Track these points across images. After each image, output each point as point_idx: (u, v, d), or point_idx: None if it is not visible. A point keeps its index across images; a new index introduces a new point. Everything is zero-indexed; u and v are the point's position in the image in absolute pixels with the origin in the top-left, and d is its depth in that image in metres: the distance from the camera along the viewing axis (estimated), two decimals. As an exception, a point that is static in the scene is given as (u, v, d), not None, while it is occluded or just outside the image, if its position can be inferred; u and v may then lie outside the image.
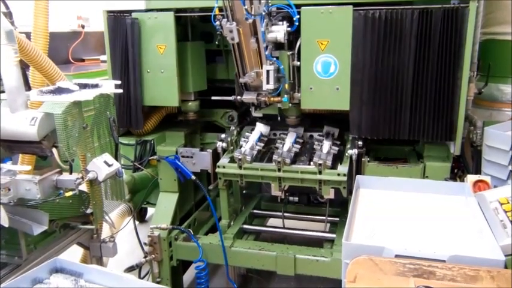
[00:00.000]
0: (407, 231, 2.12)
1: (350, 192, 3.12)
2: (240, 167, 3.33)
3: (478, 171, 3.18)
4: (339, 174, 3.15)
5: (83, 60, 6.78)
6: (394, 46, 2.97)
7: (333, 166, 3.24)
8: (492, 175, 2.76)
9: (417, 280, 1.77)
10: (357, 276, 1.84)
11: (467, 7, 2.81)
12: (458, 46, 2.88)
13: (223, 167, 3.40)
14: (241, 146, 3.47)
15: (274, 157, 3.24)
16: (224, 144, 3.52)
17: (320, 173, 3.17)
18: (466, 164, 3.52)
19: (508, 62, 3.54)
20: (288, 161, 3.24)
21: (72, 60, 6.61)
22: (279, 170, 3.24)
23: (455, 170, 3.45)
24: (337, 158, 3.33)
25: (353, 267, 1.85)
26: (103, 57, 6.50)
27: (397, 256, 1.87)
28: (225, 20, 2.89)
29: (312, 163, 3.23)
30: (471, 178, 2.51)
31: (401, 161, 3.42)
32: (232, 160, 3.42)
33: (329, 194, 3.23)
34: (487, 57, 3.47)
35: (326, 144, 3.36)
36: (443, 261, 1.82)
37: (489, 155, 2.95)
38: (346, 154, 3.27)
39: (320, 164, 3.15)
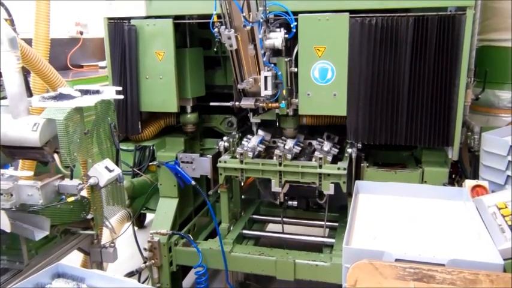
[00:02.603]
0: (407, 236, 2.14)
1: (349, 195, 3.16)
2: (241, 162, 3.38)
3: (475, 176, 3.20)
4: (339, 168, 3.20)
5: (82, 67, 6.78)
6: (390, 53, 3.00)
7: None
8: (490, 180, 2.78)
9: (417, 284, 1.79)
10: (357, 280, 1.86)
11: (464, 14, 2.85)
12: (455, 53, 2.92)
13: (225, 162, 3.44)
14: (243, 145, 3.51)
15: (276, 151, 3.31)
16: (226, 144, 3.56)
17: (320, 167, 3.22)
18: (464, 169, 3.55)
19: (504, 68, 3.57)
20: (289, 156, 3.31)
21: (70, 67, 6.61)
22: (280, 164, 3.29)
23: (453, 175, 3.48)
24: (337, 160, 3.37)
25: (353, 272, 1.87)
26: (101, 64, 6.52)
27: (397, 260, 1.89)
28: (224, 27, 2.91)
29: (313, 159, 3.28)
30: (469, 183, 2.53)
31: (400, 166, 3.45)
32: (233, 158, 3.47)
33: (329, 189, 3.27)
34: (484, 64, 3.50)
35: (327, 144, 3.43)
36: (443, 265, 1.84)
37: (487, 160, 2.97)
38: (346, 154, 3.31)
39: (320, 158, 3.21)
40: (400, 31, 2.95)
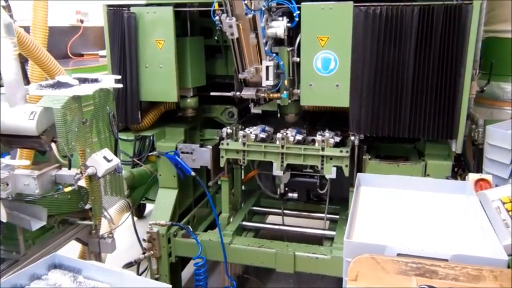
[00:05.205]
0: (409, 230, 2.11)
1: (351, 185, 3.14)
2: (244, 144, 3.37)
3: (479, 169, 3.16)
4: (341, 151, 3.19)
5: (82, 55, 6.75)
6: (394, 43, 2.95)
7: None
8: (494, 174, 2.75)
9: (419, 279, 1.76)
10: (358, 274, 1.82)
11: (471, 4, 2.80)
12: (461, 43, 2.87)
13: (227, 144, 3.43)
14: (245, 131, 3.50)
15: (278, 135, 3.29)
16: (229, 131, 3.54)
17: (323, 149, 3.21)
18: (467, 163, 3.51)
19: (509, 60, 3.52)
20: (291, 139, 3.29)
21: (70, 55, 6.58)
22: (283, 147, 3.27)
23: (456, 169, 3.44)
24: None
25: (355, 266, 1.84)
26: (102, 52, 6.48)
27: (399, 255, 1.86)
28: (225, 15, 2.87)
29: (316, 143, 3.27)
30: (473, 177, 2.51)
31: (403, 159, 3.41)
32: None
33: (331, 172, 3.24)
34: (489, 55, 3.45)
35: (329, 133, 3.39)
36: (446, 260, 1.81)
37: (491, 154, 2.94)
38: (349, 144, 3.28)
39: (323, 141, 3.20)
40: (404, 21, 2.90)
